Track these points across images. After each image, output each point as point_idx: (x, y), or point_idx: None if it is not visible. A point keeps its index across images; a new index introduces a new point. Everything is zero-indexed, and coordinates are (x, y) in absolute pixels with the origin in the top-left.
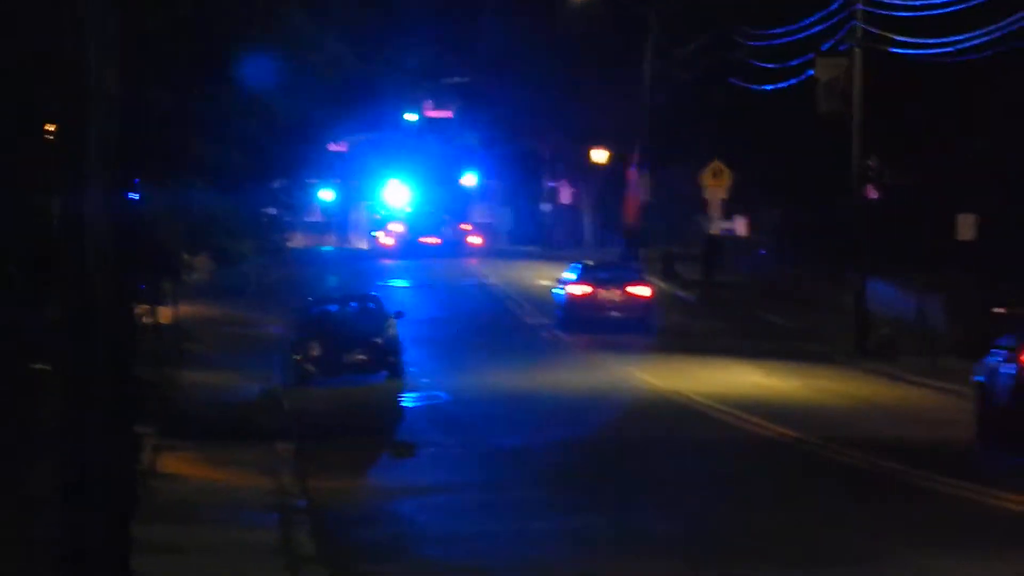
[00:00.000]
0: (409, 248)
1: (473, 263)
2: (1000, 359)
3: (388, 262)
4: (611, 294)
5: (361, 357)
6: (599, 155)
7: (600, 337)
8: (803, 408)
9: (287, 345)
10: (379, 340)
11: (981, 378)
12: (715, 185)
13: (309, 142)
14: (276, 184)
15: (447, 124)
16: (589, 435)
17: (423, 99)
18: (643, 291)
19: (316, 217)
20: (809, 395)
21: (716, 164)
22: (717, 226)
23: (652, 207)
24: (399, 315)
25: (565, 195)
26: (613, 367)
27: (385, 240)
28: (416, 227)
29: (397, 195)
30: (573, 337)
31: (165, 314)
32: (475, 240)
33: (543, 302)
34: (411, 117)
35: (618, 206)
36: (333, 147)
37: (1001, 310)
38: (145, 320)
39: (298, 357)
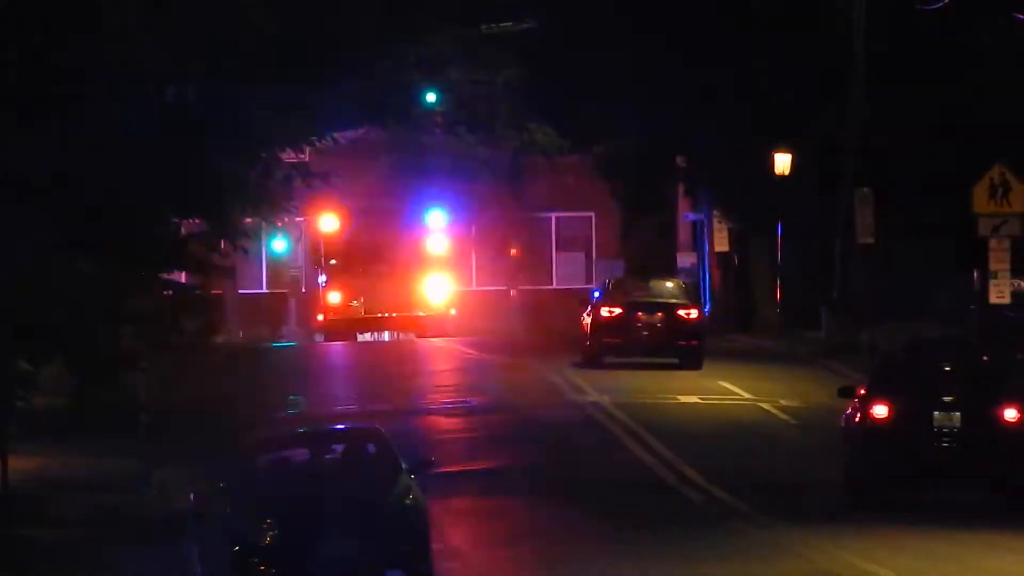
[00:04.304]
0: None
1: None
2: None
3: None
4: None
5: (353, 548)
6: (782, 160)
7: None
8: None
9: (218, 527)
10: (386, 515)
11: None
12: (998, 212)
13: (243, 148)
14: (182, 227)
15: (491, 106)
16: None
17: (453, 63)
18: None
19: (263, 286)
20: None
21: (999, 172)
22: (1004, 288)
23: (874, 253)
24: (424, 467)
25: (720, 237)
26: None
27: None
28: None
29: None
30: None
31: None
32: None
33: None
34: (433, 97)
35: (820, 255)
36: (289, 156)
37: None
38: None
39: (240, 548)
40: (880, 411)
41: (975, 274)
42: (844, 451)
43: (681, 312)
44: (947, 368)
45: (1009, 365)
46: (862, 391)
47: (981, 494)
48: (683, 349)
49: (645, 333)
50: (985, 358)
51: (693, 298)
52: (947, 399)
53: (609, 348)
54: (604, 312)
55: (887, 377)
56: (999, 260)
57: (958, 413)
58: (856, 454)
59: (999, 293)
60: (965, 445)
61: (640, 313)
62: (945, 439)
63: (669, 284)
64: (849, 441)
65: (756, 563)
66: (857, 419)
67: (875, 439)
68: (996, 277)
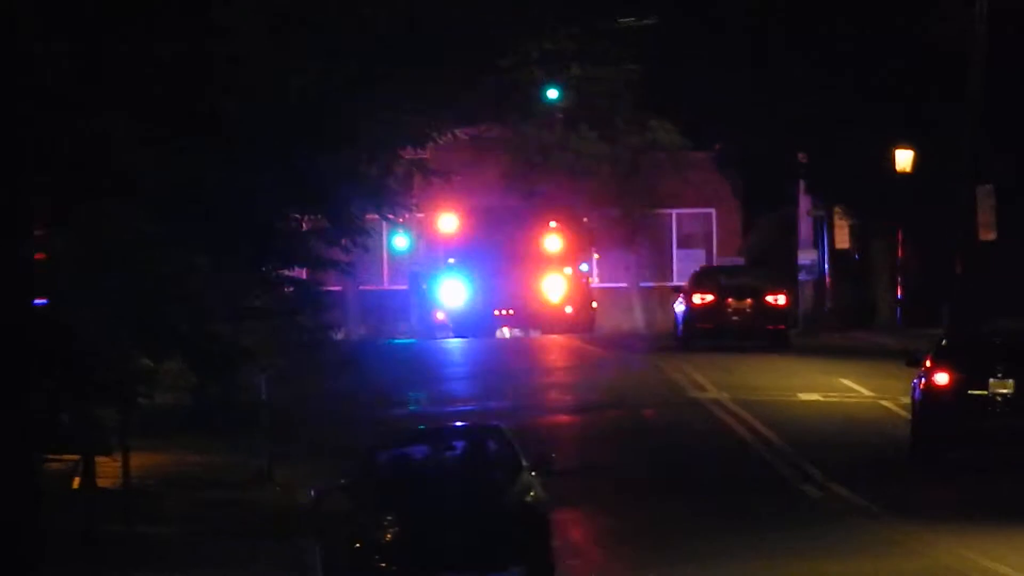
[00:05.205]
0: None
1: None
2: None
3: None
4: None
5: (474, 542)
6: (904, 157)
7: None
8: None
9: (340, 524)
10: (507, 511)
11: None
12: None
13: (364, 145)
14: (303, 224)
15: (612, 102)
16: None
17: (574, 60)
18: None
19: (384, 282)
20: None
21: None
22: None
23: (1000, 249)
24: (545, 464)
25: (841, 234)
26: None
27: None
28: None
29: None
30: None
31: (107, 470)
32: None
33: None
34: (554, 94)
35: (941, 251)
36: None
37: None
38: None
39: (361, 545)
40: (941, 379)
41: None
42: (911, 416)
43: (769, 298)
44: (1002, 342)
45: None
46: (928, 363)
47: None
48: (772, 333)
49: (736, 318)
50: None
51: (780, 284)
52: (1001, 368)
53: (702, 333)
54: (696, 299)
55: (949, 349)
56: None
57: (1011, 380)
58: (920, 418)
59: None
60: (1018, 410)
61: (731, 299)
62: (1000, 405)
63: (757, 271)
64: (915, 406)
65: (875, 560)
66: (922, 386)
67: (937, 404)
68: None
